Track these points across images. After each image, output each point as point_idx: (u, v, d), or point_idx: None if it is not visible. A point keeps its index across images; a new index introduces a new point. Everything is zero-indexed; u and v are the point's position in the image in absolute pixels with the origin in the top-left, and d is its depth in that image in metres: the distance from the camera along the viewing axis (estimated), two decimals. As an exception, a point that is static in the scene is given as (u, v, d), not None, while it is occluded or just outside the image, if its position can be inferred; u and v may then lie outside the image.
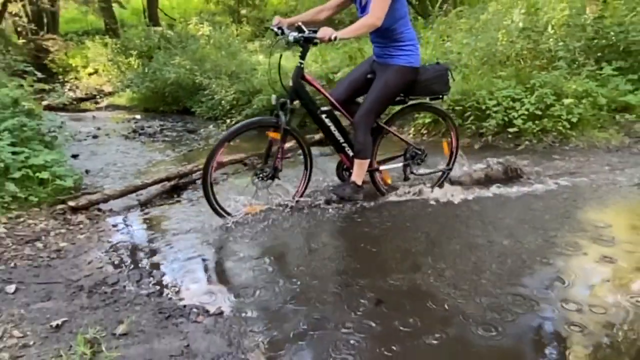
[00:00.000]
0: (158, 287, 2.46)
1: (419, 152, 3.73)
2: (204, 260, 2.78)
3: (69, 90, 12.59)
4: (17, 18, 14.46)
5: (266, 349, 1.93)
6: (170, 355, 1.85)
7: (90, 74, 14.04)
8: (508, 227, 3.06)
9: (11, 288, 2.38)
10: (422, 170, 3.85)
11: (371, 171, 3.50)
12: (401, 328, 2.03)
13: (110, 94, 12.44)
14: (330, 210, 3.43)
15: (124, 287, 2.47)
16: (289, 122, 3.10)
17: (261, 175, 3.22)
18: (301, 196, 3.44)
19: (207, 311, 2.21)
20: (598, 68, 5.53)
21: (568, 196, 3.54)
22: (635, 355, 1.85)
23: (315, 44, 2.94)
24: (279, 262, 2.76)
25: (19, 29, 14.49)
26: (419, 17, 10.51)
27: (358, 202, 3.47)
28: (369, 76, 3.25)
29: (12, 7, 13.83)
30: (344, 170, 3.60)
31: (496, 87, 5.31)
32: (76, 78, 14.07)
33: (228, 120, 8.17)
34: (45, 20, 15.62)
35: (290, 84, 3.09)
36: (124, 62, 12.67)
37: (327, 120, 3.26)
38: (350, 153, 3.39)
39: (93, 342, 1.88)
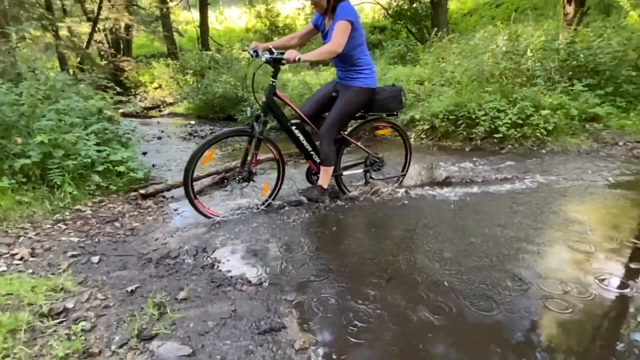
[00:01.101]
0: (210, 261, 2.45)
1: (377, 160, 3.56)
2: (246, 239, 2.76)
3: (139, 101, 12.71)
4: (100, 44, 14.66)
5: (297, 314, 1.90)
6: (221, 318, 1.83)
7: (155, 88, 14.19)
8: (494, 217, 2.98)
9: (95, 259, 2.40)
10: (380, 175, 3.67)
11: (336, 176, 3.33)
12: (409, 300, 1.98)
13: (171, 104, 12.53)
14: (336, 204, 3.35)
15: (184, 260, 2.46)
16: (262, 132, 2.91)
17: (238, 177, 3.05)
18: (273, 198, 3.26)
19: (250, 281, 2.19)
20: (570, 85, 5.40)
21: (543, 193, 3.43)
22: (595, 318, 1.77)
23: (283, 64, 2.75)
24: (305, 244, 2.72)
25: (101, 52, 14.67)
26: (418, 43, 10.36)
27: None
28: (333, 94, 3.10)
29: (97, 36, 14.03)
30: (312, 174, 3.40)
31: (484, 100, 5.19)
32: (144, 91, 14.23)
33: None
34: (121, 45, 15.80)
35: (264, 99, 2.90)
36: (182, 79, 12.76)
37: (296, 132, 3.09)
38: (317, 160, 3.21)
39: (160, 305, 1.88)
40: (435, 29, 10.02)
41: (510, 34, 6.55)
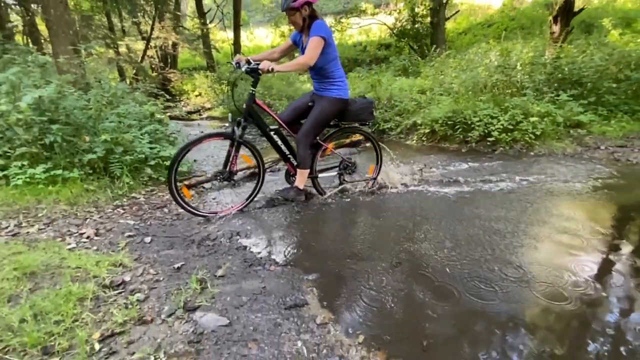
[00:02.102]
0: (243, 243, 2.42)
1: (350, 164, 3.35)
2: (272, 226, 2.73)
3: (183, 106, 12.78)
4: (152, 59, 14.79)
5: (318, 293, 1.86)
6: (253, 293, 1.81)
7: (196, 96, 14.23)
8: (486, 211, 2.88)
9: (148, 239, 2.41)
10: (353, 178, 3.44)
11: (312, 178, 3.13)
12: (415, 283, 1.93)
13: (209, 109, 12.58)
14: (346, 200, 3.29)
15: (221, 241, 2.44)
16: (242, 135, 2.74)
17: (220, 177, 2.85)
18: (254, 196, 3.02)
19: (277, 262, 2.16)
20: (556, 95, 5.17)
21: (531, 190, 3.31)
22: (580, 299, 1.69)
23: (260, 74, 2.57)
24: (322, 232, 2.68)
25: (153, 66, 14.80)
26: (419, 58, 10.16)
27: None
28: (310, 104, 2.92)
29: (150, 52, 14.17)
30: (290, 176, 3.17)
31: (478, 107, 5.01)
32: (187, 98, 14.29)
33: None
34: (169, 60, 15.89)
35: (244, 106, 2.73)
36: (218, 88, 12.78)
37: (275, 137, 2.91)
38: (294, 162, 3.02)
39: (202, 281, 1.87)
40: (434, 46, 9.82)
41: (501, 50, 6.34)
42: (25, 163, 2.87)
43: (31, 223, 2.45)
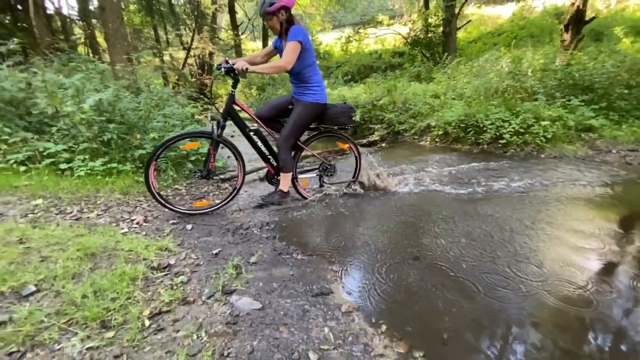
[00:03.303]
0: (272, 233, 2.40)
1: (329, 167, 3.10)
2: (298, 217, 2.70)
3: (218, 108, 12.96)
4: (191, 66, 15.06)
5: (342, 282, 1.82)
6: (283, 280, 1.78)
7: (229, 99, 14.46)
8: (498, 211, 2.74)
9: (189, 226, 2.42)
10: (333, 180, 3.22)
11: (292, 179, 2.91)
12: (432, 276, 1.85)
13: (240, 111, 12.72)
14: (364, 197, 3.21)
15: (253, 231, 2.43)
16: (220, 134, 2.55)
17: (199, 174, 2.64)
18: (235, 195, 2.79)
19: (303, 252, 2.13)
20: (567, 100, 4.87)
21: (542, 192, 3.13)
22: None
23: (236, 74, 2.38)
24: (344, 226, 2.63)
25: (192, 72, 15.08)
26: (432, 65, 9.87)
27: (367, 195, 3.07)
28: (289, 107, 2.74)
29: (190, 60, 14.45)
30: (271, 177, 2.94)
31: (490, 111, 4.81)
32: (221, 101, 14.38)
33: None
34: (205, 67, 16.12)
35: (224, 106, 2.56)
36: (248, 92, 12.88)
37: (254, 137, 2.72)
38: (274, 163, 2.82)
39: (237, 267, 1.85)
40: (446, 53, 9.50)
41: (512, 57, 6.05)
42: (86, 157, 2.95)
43: (91, 209, 2.51)
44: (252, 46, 18.81)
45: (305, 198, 3.00)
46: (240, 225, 2.51)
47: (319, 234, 2.43)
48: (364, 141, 5.64)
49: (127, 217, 2.47)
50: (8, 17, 10.39)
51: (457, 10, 11.06)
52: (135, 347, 1.27)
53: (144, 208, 2.69)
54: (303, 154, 3.01)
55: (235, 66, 2.32)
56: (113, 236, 2.06)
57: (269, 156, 2.79)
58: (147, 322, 1.40)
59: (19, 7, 10.40)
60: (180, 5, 16.02)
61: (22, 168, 2.94)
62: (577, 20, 6.08)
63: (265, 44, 14.80)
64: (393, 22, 15.03)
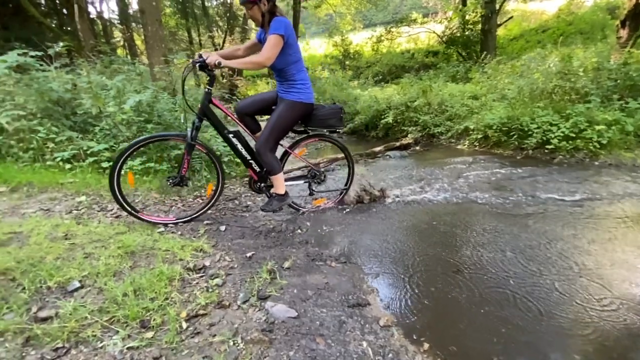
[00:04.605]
0: (305, 237, 2.39)
1: (318, 173, 2.86)
2: (333, 223, 2.67)
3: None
4: (222, 67, 15.52)
5: (379, 294, 1.77)
6: (318, 288, 1.75)
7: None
8: (546, 226, 2.56)
9: (223, 227, 2.45)
10: (322, 188, 3.00)
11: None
12: (476, 291, 1.75)
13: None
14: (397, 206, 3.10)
15: (285, 234, 2.43)
16: (194, 137, 2.29)
17: (171, 180, 2.42)
18: (213, 204, 2.56)
19: (337, 259, 2.09)
20: (625, 103, 4.49)
21: (596, 205, 2.89)
22: None
23: (209, 69, 2.13)
24: (378, 234, 2.56)
25: (223, 74, 15.51)
26: (472, 64, 9.50)
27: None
28: (273, 108, 2.50)
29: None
30: (254, 183, 2.69)
31: (536, 114, 4.54)
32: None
33: (339, 131, 8.00)
34: (236, 69, 16.56)
35: (199, 106, 2.31)
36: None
37: (234, 140, 2.47)
38: (257, 168, 2.58)
39: (271, 271, 1.84)
40: (485, 52, 9.13)
41: (562, 55, 5.68)
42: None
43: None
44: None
45: (298, 210, 2.84)
46: (273, 228, 2.52)
47: (352, 240, 2.38)
48: (397, 144, 5.51)
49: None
50: (54, 21, 11.21)
51: (497, 7, 10.61)
52: (173, 349, 1.29)
53: (179, 208, 2.76)
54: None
55: (207, 60, 2.10)
56: (151, 235, 2.13)
57: (250, 161, 2.56)
58: (184, 325, 1.42)
59: (64, 11, 11.19)
60: (213, 7, 16.55)
61: (67, 166, 3.12)
62: (636, 15, 5.62)
63: (295, 45, 14.97)
64: (427, 20, 14.67)
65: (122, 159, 2.18)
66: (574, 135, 4.12)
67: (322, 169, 2.91)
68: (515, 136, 4.56)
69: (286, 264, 1.95)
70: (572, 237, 2.27)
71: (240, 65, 2.27)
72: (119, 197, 2.22)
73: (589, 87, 4.72)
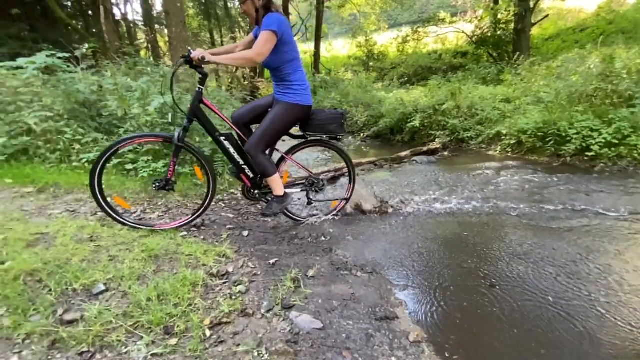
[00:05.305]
0: (329, 245, 2.37)
1: (317, 181, 2.73)
2: (358, 231, 2.64)
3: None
4: (244, 69, 15.81)
5: (408, 307, 1.72)
6: (343, 299, 1.72)
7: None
8: (588, 243, 2.43)
9: (245, 232, 2.47)
10: (320, 197, 2.90)
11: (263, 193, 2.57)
12: (514, 306, 1.68)
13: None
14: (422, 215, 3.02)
15: (308, 241, 2.42)
16: (182, 139, 2.20)
17: (156, 184, 2.29)
18: (204, 210, 2.43)
19: (362, 269, 2.06)
20: (676, 108, 4.23)
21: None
22: None
23: (196, 65, 2.05)
24: (406, 244, 2.51)
25: (244, 75, 15.82)
26: (505, 66, 9.26)
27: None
28: (269, 110, 2.40)
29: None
30: (248, 191, 2.58)
31: (576, 119, 4.35)
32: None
33: (362, 134, 7.97)
34: (257, 70, 16.81)
35: (189, 105, 2.23)
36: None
37: (225, 143, 2.36)
38: (251, 174, 2.48)
39: (295, 279, 1.83)
40: (518, 53, 8.87)
41: (603, 56, 5.43)
42: (149, 158, 3.17)
43: (153, 210, 2.68)
44: (303, 48, 19.23)
45: (298, 220, 2.74)
46: (296, 234, 2.52)
47: (378, 249, 2.34)
48: (424, 149, 5.42)
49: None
50: (80, 23, 11.79)
51: (532, 5, 10.32)
52: (197, 358, 1.30)
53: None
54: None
55: (192, 55, 2.01)
56: (174, 239, 2.17)
57: (243, 166, 2.45)
58: (207, 332, 1.42)
59: (90, 13, 11.75)
60: (236, 8, 16.95)
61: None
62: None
63: (317, 45, 15.04)
64: (456, 20, 14.46)
65: (102, 160, 2.11)
66: (616, 142, 3.93)
67: (322, 177, 2.80)
68: (551, 142, 4.39)
69: (310, 273, 1.94)
70: (617, 254, 2.14)
71: (229, 60, 2.18)
72: (100, 198, 2.15)
73: (633, 90, 4.49)
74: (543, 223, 2.66)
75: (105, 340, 1.34)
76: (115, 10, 13.56)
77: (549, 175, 3.78)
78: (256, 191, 2.56)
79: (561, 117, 4.48)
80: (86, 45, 4.24)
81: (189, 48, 2.16)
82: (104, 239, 2.05)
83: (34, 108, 3.43)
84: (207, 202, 2.41)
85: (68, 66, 4.03)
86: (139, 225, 2.28)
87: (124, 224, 2.24)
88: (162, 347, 1.32)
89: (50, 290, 1.55)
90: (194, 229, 2.44)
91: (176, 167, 2.32)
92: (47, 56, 3.81)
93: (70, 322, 1.41)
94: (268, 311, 1.58)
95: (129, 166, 3.16)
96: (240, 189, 2.74)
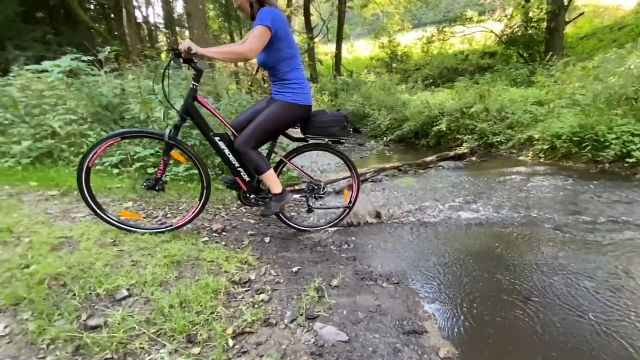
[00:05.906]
0: (352, 254, 2.35)
1: (317, 188, 2.64)
2: (382, 239, 2.60)
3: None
4: (264, 71, 16.09)
5: (437, 321, 1.68)
6: (369, 311, 1.70)
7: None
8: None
9: (267, 239, 2.48)
10: (320, 204, 2.84)
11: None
12: (551, 321, 1.60)
13: (312, 116, 13.10)
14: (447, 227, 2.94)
15: (332, 249, 2.40)
16: (174, 137, 2.15)
17: (146, 184, 2.26)
18: (200, 213, 2.37)
19: (388, 279, 2.03)
20: None
21: None
22: None
23: (186, 60, 2.00)
24: (433, 254, 2.45)
25: (264, 77, 16.05)
26: (538, 67, 8.99)
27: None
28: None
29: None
30: (243, 195, 2.49)
31: (615, 123, 4.17)
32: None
33: (385, 138, 7.91)
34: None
35: (183, 103, 2.19)
36: (320, 99, 13.16)
37: (220, 144, 2.29)
38: (247, 178, 2.40)
39: (319, 289, 1.82)
40: (551, 53, 8.60)
41: (645, 56, 5.19)
42: (171, 162, 3.24)
43: (174, 215, 2.73)
44: (325, 49, 19.35)
45: (298, 228, 2.68)
46: (318, 242, 2.51)
47: (404, 259, 2.30)
48: (451, 154, 5.31)
49: (208, 226, 2.62)
50: (103, 26, 12.31)
51: (566, 2, 10.00)
52: (221, 368, 1.30)
53: (222, 217, 2.84)
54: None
55: (180, 47, 1.96)
56: (195, 244, 2.20)
57: (239, 168, 2.38)
58: (230, 342, 1.43)
59: (112, 16, 12.26)
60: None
61: (115, 171, 3.35)
62: None
63: (339, 47, 15.09)
64: (484, 19, 14.19)
65: (86, 161, 2.08)
66: (662, 148, 3.71)
67: (323, 183, 2.70)
68: (588, 147, 4.22)
69: (334, 282, 1.92)
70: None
71: (219, 55, 2.10)
72: (87, 196, 2.12)
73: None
74: (580, 235, 2.55)
75: (128, 348, 1.36)
76: (137, 13, 14.09)
77: (586, 182, 3.62)
78: (252, 196, 2.47)
79: (599, 121, 4.30)
80: (109, 49, 4.40)
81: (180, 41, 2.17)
82: (126, 243, 2.10)
83: (58, 111, 3.58)
84: (203, 199, 2.34)
85: (92, 69, 4.19)
86: (130, 228, 2.25)
87: (111, 224, 2.22)
88: (185, 356, 1.33)
89: (75, 295, 1.58)
90: (215, 234, 2.47)
91: (167, 166, 2.27)
92: (72, 59, 3.98)
93: (94, 328, 1.43)
94: (292, 321, 1.57)
95: (151, 170, 3.24)
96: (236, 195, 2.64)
